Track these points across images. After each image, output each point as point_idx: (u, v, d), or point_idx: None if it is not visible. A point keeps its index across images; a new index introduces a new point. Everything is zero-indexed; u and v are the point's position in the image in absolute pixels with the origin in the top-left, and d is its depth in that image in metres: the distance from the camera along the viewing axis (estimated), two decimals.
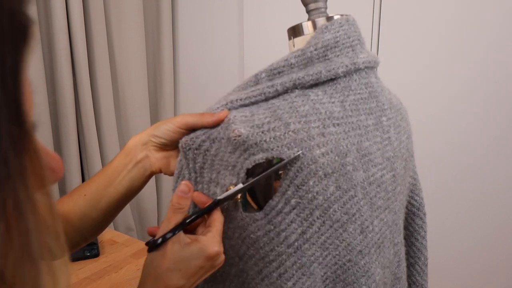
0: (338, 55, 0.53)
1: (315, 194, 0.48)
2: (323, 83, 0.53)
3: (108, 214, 0.58)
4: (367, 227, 0.53)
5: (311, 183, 0.48)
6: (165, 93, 2.09)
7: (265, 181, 0.52)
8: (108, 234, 1.30)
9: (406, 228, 0.70)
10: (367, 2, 1.46)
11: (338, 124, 0.51)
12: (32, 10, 1.52)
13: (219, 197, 0.48)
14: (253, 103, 0.53)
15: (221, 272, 0.56)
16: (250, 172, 0.50)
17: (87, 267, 1.09)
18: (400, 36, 1.43)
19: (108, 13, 1.82)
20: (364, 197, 0.52)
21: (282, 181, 0.49)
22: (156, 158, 0.56)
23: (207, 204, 0.49)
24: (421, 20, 1.38)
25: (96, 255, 1.15)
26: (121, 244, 1.22)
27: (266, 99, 0.53)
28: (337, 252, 0.51)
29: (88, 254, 1.17)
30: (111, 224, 1.88)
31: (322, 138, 0.49)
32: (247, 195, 0.55)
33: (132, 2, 1.87)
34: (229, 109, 0.53)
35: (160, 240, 0.46)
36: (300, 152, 0.48)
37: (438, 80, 1.39)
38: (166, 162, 0.57)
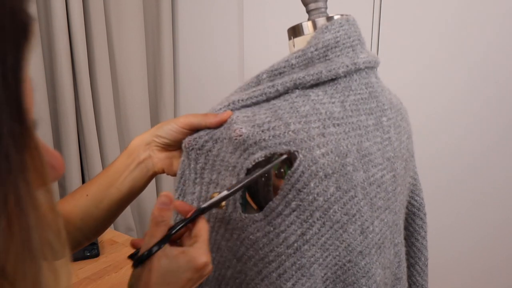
0: (338, 55, 0.53)
1: (315, 195, 0.48)
2: (324, 83, 0.53)
3: (110, 215, 0.58)
4: (367, 227, 0.53)
5: (312, 184, 0.48)
6: (165, 93, 2.09)
7: (264, 181, 0.52)
8: (108, 234, 1.30)
9: (406, 228, 0.70)
10: (367, 2, 1.46)
11: (338, 125, 0.51)
12: (32, 10, 1.52)
13: (203, 205, 0.47)
14: (254, 104, 0.53)
15: (216, 275, 0.56)
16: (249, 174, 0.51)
17: (87, 267, 1.09)
18: (400, 36, 1.43)
19: (108, 13, 1.82)
20: (364, 198, 0.52)
21: (284, 185, 0.49)
22: (159, 158, 0.57)
23: (190, 213, 0.48)
24: (421, 20, 1.38)
25: (96, 255, 1.15)
26: (121, 244, 1.22)
27: (268, 100, 0.53)
28: (337, 253, 0.51)
29: (88, 254, 1.17)
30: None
31: (322, 138, 0.49)
32: (247, 195, 0.54)
33: (132, 2, 1.87)
34: (232, 110, 0.53)
35: (146, 253, 0.44)
36: (295, 150, 0.48)
37: (438, 80, 1.39)
38: (169, 163, 0.57)
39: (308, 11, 0.57)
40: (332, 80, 0.53)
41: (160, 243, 0.45)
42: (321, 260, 0.51)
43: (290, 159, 0.49)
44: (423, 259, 0.70)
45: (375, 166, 0.54)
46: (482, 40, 1.29)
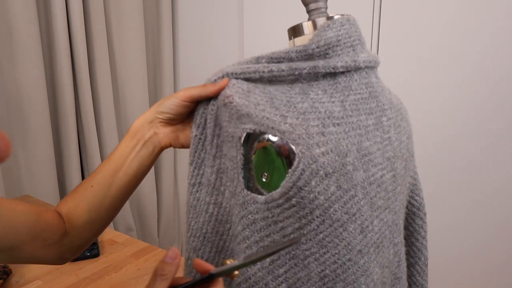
0: (339, 54, 0.53)
1: (316, 194, 0.48)
2: (323, 82, 0.53)
3: (118, 201, 0.59)
4: (367, 226, 0.53)
5: (313, 183, 0.48)
6: (165, 93, 2.10)
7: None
8: (108, 234, 1.30)
9: (406, 228, 0.70)
10: (367, 2, 1.46)
11: (338, 124, 0.51)
12: (32, 10, 1.52)
13: (213, 271, 0.45)
14: (247, 80, 0.54)
15: (216, 243, 0.57)
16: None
17: (87, 267, 1.09)
18: (400, 36, 1.43)
19: (108, 13, 1.82)
20: (364, 197, 0.52)
21: (285, 182, 0.49)
22: (165, 134, 0.59)
23: (206, 274, 0.45)
24: (421, 20, 1.38)
25: (96, 255, 1.15)
26: (121, 244, 1.22)
27: (261, 80, 0.53)
28: (337, 251, 0.51)
29: (88, 254, 1.17)
30: (111, 224, 1.88)
31: (322, 137, 0.49)
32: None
33: (132, 2, 1.87)
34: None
35: None
36: (292, 142, 0.48)
37: (438, 80, 1.39)
38: (174, 136, 0.59)
39: (308, 11, 0.57)
40: (332, 78, 0.53)
41: None
42: (317, 255, 0.51)
43: (287, 153, 0.49)
44: (423, 259, 0.70)
45: (375, 166, 0.54)
46: (482, 39, 1.29)
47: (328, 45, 0.53)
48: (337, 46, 0.53)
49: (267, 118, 0.49)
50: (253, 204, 0.51)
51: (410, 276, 0.71)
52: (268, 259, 0.51)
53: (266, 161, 0.51)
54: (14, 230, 0.51)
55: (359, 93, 0.54)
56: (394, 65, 1.45)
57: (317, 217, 0.49)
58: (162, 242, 2.28)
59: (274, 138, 0.49)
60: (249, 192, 0.51)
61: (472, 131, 1.36)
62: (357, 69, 0.54)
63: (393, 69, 1.45)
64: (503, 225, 1.36)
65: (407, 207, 0.69)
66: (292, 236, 0.50)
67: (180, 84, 2.16)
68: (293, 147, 0.48)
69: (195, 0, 1.99)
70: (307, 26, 0.56)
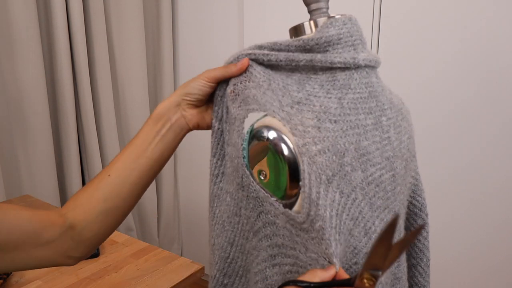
0: (340, 52, 0.53)
1: (326, 207, 0.48)
2: (322, 76, 0.53)
3: (139, 187, 0.58)
4: (370, 228, 0.53)
5: (322, 192, 0.47)
6: (165, 93, 2.09)
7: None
8: None
9: (407, 228, 0.69)
10: (367, 2, 1.46)
11: (335, 121, 0.51)
12: (32, 10, 1.52)
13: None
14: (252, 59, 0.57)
15: (235, 244, 0.58)
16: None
17: (87, 267, 1.09)
18: (400, 36, 1.43)
19: (108, 13, 1.82)
20: (364, 198, 0.52)
21: (302, 199, 0.48)
22: (192, 115, 0.60)
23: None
24: (421, 20, 1.38)
25: (96, 255, 1.15)
26: (121, 244, 1.21)
27: (260, 63, 0.57)
28: (345, 259, 0.51)
29: None
30: None
31: (318, 133, 0.49)
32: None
33: (132, 2, 1.87)
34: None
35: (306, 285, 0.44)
36: (290, 129, 0.49)
37: (438, 80, 1.39)
38: (201, 117, 0.61)
39: (309, 11, 0.57)
40: (331, 75, 0.53)
41: (314, 285, 0.44)
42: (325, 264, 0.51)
43: (282, 150, 0.49)
44: (425, 260, 0.70)
45: (373, 166, 0.53)
46: (482, 39, 1.29)
47: (329, 42, 0.53)
48: (338, 44, 0.53)
49: (268, 102, 0.51)
50: (269, 206, 0.52)
51: (412, 277, 0.71)
52: (287, 268, 0.51)
53: (265, 160, 0.51)
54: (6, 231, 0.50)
55: (358, 92, 0.54)
56: (394, 65, 1.45)
57: (330, 235, 0.48)
58: (162, 242, 2.28)
59: (271, 136, 0.50)
60: (268, 193, 0.51)
61: (472, 131, 1.36)
62: (357, 68, 0.54)
63: (393, 69, 1.45)
64: (503, 225, 1.36)
65: (408, 208, 0.69)
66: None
67: (180, 84, 2.16)
68: (289, 142, 0.49)
69: (195, 0, 1.99)
70: (309, 26, 0.56)
